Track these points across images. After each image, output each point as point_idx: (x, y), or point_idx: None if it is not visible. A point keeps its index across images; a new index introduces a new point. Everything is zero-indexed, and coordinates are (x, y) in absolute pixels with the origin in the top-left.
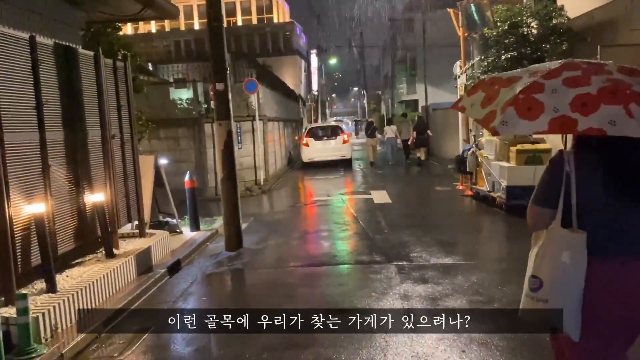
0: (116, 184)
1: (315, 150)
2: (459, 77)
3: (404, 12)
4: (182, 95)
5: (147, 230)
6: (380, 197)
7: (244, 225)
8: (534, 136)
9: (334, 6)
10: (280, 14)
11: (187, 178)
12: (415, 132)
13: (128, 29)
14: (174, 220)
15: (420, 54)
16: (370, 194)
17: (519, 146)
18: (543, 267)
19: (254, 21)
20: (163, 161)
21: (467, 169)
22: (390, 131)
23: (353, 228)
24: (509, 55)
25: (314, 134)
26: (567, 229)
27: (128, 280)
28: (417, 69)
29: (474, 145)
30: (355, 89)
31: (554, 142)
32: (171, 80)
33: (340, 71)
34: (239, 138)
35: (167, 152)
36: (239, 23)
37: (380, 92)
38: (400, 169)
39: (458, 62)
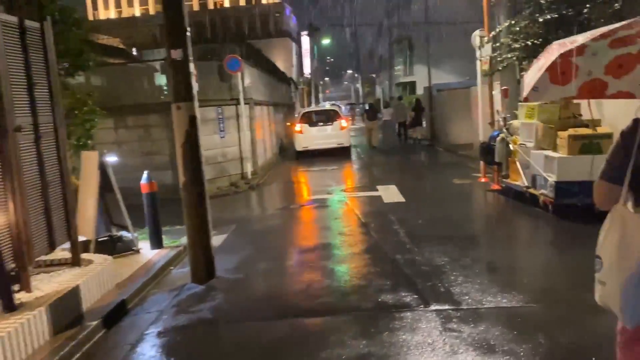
0: (24, 197)
1: (309, 137)
2: (480, 48)
3: None
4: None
5: (85, 256)
6: (390, 194)
7: (221, 238)
8: (587, 116)
9: None
10: None
11: (143, 180)
12: (413, 113)
13: (111, 13)
14: (129, 235)
15: (418, 33)
16: (377, 191)
17: (572, 131)
18: (604, 247)
19: (242, 2)
20: (111, 158)
21: (496, 159)
22: (387, 114)
23: (364, 242)
24: (548, 18)
25: (308, 119)
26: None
27: (35, 344)
28: (415, 49)
29: (504, 130)
30: (349, 71)
31: (614, 125)
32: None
33: (333, 55)
34: (221, 125)
35: (137, 143)
36: (226, 4)
37: (374, 75)
38: (405, 156)
39: (478, 32)
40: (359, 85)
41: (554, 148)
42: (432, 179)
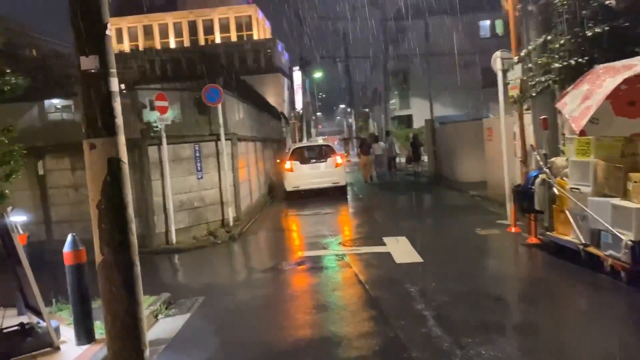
0: None
1: (301, 176)
2: (507, 71)
3: (396, 20)
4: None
5: None
6: (402, 250)
7: (179, 322)
8: None
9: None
10: (261, 31)
11: (67, 247)
12: (411, 148)
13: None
14: (44, 324)
15: (415, 65)
16: (384, 245)
17: None
18: None
19: (233, 38)
20: (18, 218)
21: (536, 206)
22: (378, 148)
23: (377, 336)
24: (597, 32)
25: (299, 156)
26: None
27: None
28: (411, 82)
29: (545, 170)
30: (342, 106)
31: None
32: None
33: (325, 90)
34: (198, 164)
35: None
36: (217, 40)
37: (367, 109)
38: (409, 196)
39: (498, 53)
40: (351, 120)
41: (624, 195)
42: (449, 228)
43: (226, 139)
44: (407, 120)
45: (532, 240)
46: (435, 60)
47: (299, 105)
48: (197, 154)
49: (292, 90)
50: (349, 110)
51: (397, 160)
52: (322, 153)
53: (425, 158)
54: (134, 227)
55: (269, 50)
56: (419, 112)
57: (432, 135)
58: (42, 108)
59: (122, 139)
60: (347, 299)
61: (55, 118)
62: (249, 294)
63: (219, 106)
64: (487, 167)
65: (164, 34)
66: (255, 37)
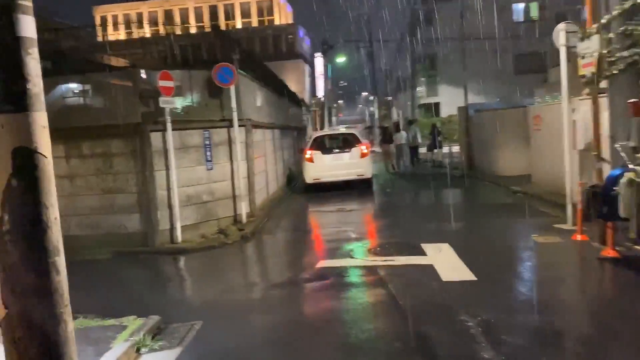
0: None
1: (322, 167)
2: (581, 40)
3: (424, 2)
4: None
5: None
6: (447, 262)
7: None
8: None
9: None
10: (282, 16)
11: None
12: (431, 137)
13: (121, 35)
14: None
15: (444, 50)
16: (424, 254)
17: None
18: None
19: (254, 23)
20: None
21: (621, 213)
22: (401, 137)
23: None
24: None
25: (320, 145)
26: None
27: None
28: (439, 67)
29: (635, 168)
30: (364, 94)
31: None
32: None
33: (347, 77)
34: (208, 154)
35: (94, 177)
36: (238, 26)
37: (391, 97)
38: (444, 191)
39: (562, 25)
40: (372, 108)
41: None
42: (498, 232)
43: (240, 126)
44: (434, 108)
45: (609, 252)
46: (465, 46)
47: (320, 92)
48: (207, 142)
49: (313, 77)
50: (371, 98)
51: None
52: (345, 142)
53: (445, 148)
54: (61, 260)
55: (290, 36)
56: (448, 99)
57: (465, 123)
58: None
59: (40, 118)
60: (385, 338)
61: (55, 100)
62: (256, 322)
63: (232, 88)
64: (533, 160)
65: (184, 19)
66: (277, 22)
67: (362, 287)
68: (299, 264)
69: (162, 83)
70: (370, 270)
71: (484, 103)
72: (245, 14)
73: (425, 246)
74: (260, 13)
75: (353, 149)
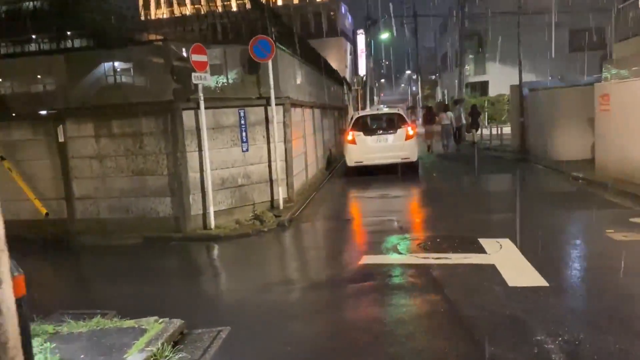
0: None
1: (365, 149)
2: None
3: None
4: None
5: None
6: (511, 262)
7: None
8: None
9: None
10: None
11: None
12: (470, 117)
13: (163, 13)
14: None
15: (493, 26)
16: (483, 251)
17: None
18: None
19: (296, 1)
20: None
21: None
22: (446, 118)
23: None
24: None
25: (363, 126)
26: None
27: None
28: (487, 44)
29: None
30: (408, 72)
31: None
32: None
33: (389, 56)
34: (243, 134)
35: (125, 157)
36: (279, 3)
37: (435, 76)
38: (497, 176)
39: None
40: (415, 88)
41: None
42: (565, 226)
43: (277, 104)
44: (482, 88)
45: None
46: (515, 21)
47: (362, 71)
48: (242, 122)
49: (355, 55)
50: (414, 77)
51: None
52: (390, 123)
53: (485, 129)
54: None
55: (332, 13)
56: (497, 78)
57: (519, 103)
58: (66, 62)
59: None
60: None
61: (84, 76)
62: (292, 333)
63: (270, 63)
64: (598, 143)
65: None
66: None
67: (413, 292)
68: (340, 259)
69: (194, 57)
70: (421, 269)
71: (538, 81)
72: None
73: (484, 241)
74: None
75: (398, 130)
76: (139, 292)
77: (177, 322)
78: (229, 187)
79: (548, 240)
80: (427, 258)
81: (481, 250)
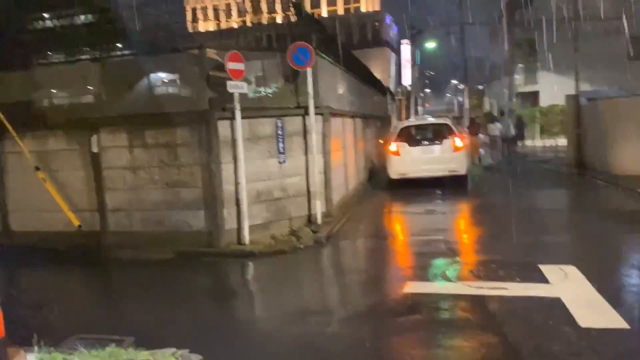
0: None
1: (409, 161)
2: None
3: None
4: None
5: None
6: (580, 295)
7: None
8: None
9: None
10: (369, 3)
11: None
12: (515, 128)
13: (210, 26)
14: None
15: (545, 34)
16: (545, 280)
17: None
18: None
19: (340, 11)
20: None
21: None
22: (495, 129)
23: None
24: None
25: (408, 136)
26: None
27: None
28: (539, 53)
29: None
30: (454, 82)
31: None
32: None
33: (434, 66)
34: (280, 145)
35: (158, 168)
36: (324, 14)
37: (482, 86)
38: (550, 191)
39: None
40: (461, 98)
41: None
42: (638, 253)
43: (316, 114)
44: (532, 98)
45: None
46: (567, 29)
47: (406, 81)
48: (280, 132)
49: (399, 66)
50: (460, 86)
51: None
52: (437, 133)
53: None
54: None
55: (376, 23)
56: (548, 88)
57: (576, 114)
58: (103, 68)
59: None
60: None
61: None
62: None
63: (309, 71)
64: None
65: (271, 8)
66: (363, 9)
67: (466, 330)
68: (382, 286)
69: (231, 65)
70: (474, 302)
71: (597, 90)
72: (332, 1)
73: (545, 269)
74: (346, 0)
75: (445, 141)
76: (164, 313)
77: (194, 359)
78: (264, 200)
79: (620, 269)
80: (481, 288)
81: (543, 279)
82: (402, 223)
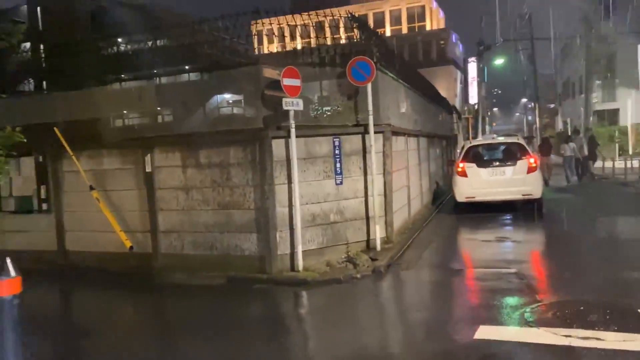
0: None
1: (478, 183)
2: None
3: None
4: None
5: None
6: None
7: None
8: None
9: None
10: (434, 22)
11: None
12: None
13: (274, 47)
14: None
15: (625, 48)
16: None
17: None
18: None
19: (404, 30)
20: None
21: None
22: (568, 149)
23: None
24: None
25: (476, 156)
26: None
27: None
28: (618, 68)
29: None
30: (524, 100)
31: None
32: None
33: (502, 84)
34: (337, 165)
35: (211, 189)
36: (388, 33)
37: (554, 104)
38: (632, 214)
39: None
40: (530, 117)
41: None
42: None
43: (376, 132)
44: (611, 116)
45: None
46: None
47: (473, 99)
48: (337, 151)
49: (465, 84)
50: (530, 105)
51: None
52: (508, 153)
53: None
54: None
55: (442, 42)
56: (630, 105)
57: None
58: (158, 87)
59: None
60: None
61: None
62: None
63: (369, 86)
64: None
65: (335, 29)
66: (428, 28)
67: None
68: (449, 328)
69: (286, 82)
70: (563, 354)
71: None
72: (396, 21)
73: None
74: (410, 19)
75: (518, 162)
76: (206, 349)
77: None
78: (319, 224)
79: None
80: (569, 337)
81: None
82: (470, 252)
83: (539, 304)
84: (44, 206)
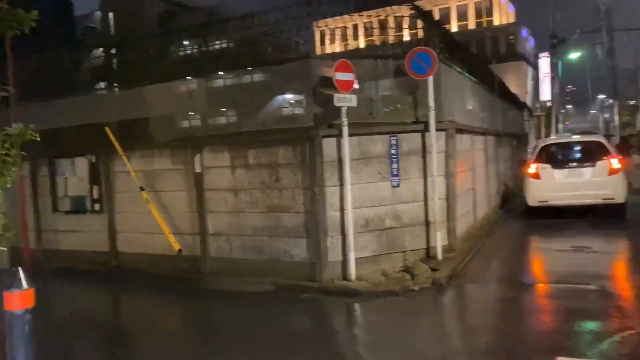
0: None
1: (552, 185)
2: None
3: None
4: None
5: None
6: None
7: None
8: None
9: None
10: (503, 16)
11: None
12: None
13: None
14: None
15: None
16: None
17: None
18: None
19: (471, 26)
20: None
21: None
22: None
23: None
24: None
25: (550, 156)
26: None
27: None
28: None
29: None
30: (601, 96)
31: None
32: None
33: (577, 80)
34: (394, 166)
35: (259, 191)
36: (454, 29)
37: (634, 101)
38: None
39: None
40: (608, 115)
41: None
42: None
43: (438, 130)
44: None
45: None
46: None
47: (545, 96)
48: (393, 151)
49: (536, 80)
50: (607, 102)
51: None
52: (587, 153)
53: None
54: None
55: (511, 37)
56: None
57: None
58: (208, 86)
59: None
60: None
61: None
62: None
63: (430, 80)
64: None
65: (399, 27)
66: (496, 22)
67: None
68: (519, 358)
69: (339, 76)
70: None
71: None
72: (462, 16)
73: None
74: (478, 14)
75: (598, 163)
76: None
77: None
78: (373, 229)
79: None
80: None
81: None
82: (543, 263)
83: (630, 331)
84: (97, 206)
